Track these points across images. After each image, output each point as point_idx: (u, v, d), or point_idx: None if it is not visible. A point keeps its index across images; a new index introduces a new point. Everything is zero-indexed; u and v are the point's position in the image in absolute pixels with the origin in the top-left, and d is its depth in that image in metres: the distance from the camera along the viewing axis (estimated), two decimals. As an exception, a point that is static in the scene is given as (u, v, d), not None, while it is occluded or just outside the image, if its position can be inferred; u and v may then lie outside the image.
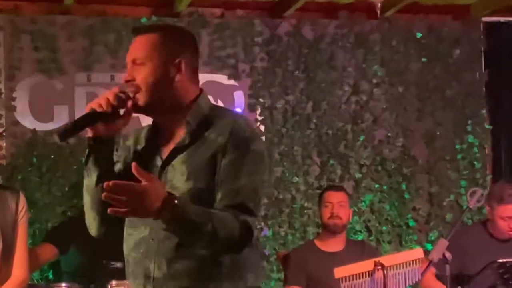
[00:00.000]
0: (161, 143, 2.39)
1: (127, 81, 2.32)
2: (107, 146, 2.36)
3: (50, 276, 4.92)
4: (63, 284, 3.96)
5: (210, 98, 5.34)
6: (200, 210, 2.16)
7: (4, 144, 5.11)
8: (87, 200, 2.41)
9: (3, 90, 5.16)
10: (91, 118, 2.27)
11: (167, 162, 2.33)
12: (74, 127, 2.26)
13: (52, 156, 5.15)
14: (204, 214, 2.15)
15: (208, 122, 2.35)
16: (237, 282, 2.28)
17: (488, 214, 4.49)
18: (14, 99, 5.17)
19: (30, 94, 5.22)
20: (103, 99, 2.26)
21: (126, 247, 2.42)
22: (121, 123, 2.35)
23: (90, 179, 2.37)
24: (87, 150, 2.37)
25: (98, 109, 2.25)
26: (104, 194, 2.04)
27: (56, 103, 5.26)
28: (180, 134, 2.34)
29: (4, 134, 5.11)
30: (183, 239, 2.21)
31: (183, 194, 2.24)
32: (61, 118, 5.24)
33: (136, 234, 2.36)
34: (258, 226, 5.41)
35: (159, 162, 2.35)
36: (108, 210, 2.06)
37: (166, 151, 2.36)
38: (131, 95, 2.31)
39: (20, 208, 3.61)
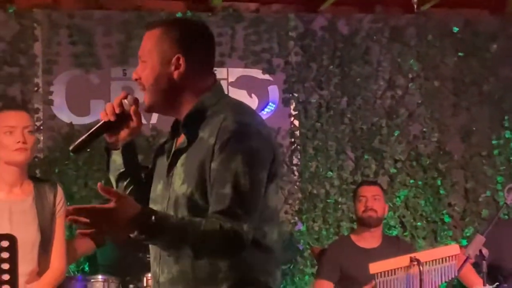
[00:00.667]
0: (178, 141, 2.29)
1: (135, 80, 2.26)
2: (129, 150, 2.32)
3: (86, 269, 4.96)
4: (100, 277, 4.00)
5: (242, 92, 5.52)
6: (180, 227, 2.05)
7: (42, 137, 5.16)
8: None
9: (40, 84, 5.21)
10: (101, 128, 2.26)
11: (171, 164, 2.24)
12: (89, 139, 2.25)
13: (89, 150, 5.16)
14: (183, 231, 2.04)
15: (206, 120, 2.21)
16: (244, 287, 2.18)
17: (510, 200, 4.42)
18: (51, 93, 5.22)
19: (67, 88, 5.27)
20: (107, 108, 2.24)
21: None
22: (134, 125, 2.29)
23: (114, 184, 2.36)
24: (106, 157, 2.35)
25: (104, 119, 2.23)
26: (67, 218, 1.99)
27: (93, 97, 5.30)
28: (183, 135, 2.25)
29: (41, 127, 5.16)
30: (167, 251, 2.16)
31: (181, 199, 2.17)
32: (97, 112, 5.25)
33: None
34: (292, 221, 5.42)
35: (165, 164, 2.27)
36: (77, 231, 2.04)
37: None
38: (133, 98, 2.27)
39: (58, 200, 3.63)
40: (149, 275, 4.02)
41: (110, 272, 4.28)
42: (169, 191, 2.21)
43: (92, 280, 3.96)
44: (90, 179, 5.17)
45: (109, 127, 2.25)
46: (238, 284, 2.15)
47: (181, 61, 2.22)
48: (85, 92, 5.28)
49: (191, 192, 2.15)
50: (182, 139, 2.23)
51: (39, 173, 5.00)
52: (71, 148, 2.25)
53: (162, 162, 2.29)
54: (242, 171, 2.09)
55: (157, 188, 2.28)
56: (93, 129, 2.25)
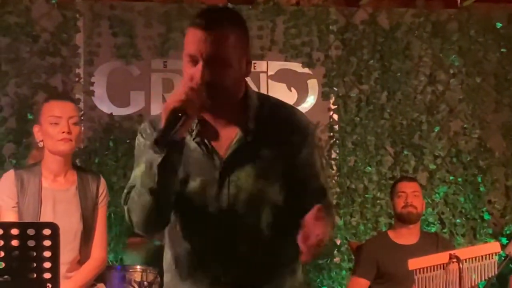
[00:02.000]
0: (211, 139, 2.18)
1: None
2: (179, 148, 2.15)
3: (124, 259, 5.00)
4: (138, 267, 4.02)
5: (282, 85, 5.52)
6: None
7: (82, 128, 5.19)
8: (149, 200, 2.12)
9: (82, 75, 5.26)
10: (175, 118, 2.06)
11: (228, 161, 2.16)
12: (169, 132, 2.06)
13: (128, 141, 5.21)
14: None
15: (264, 116, 2.19)
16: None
17: None
18: (92, 84, 5.26)
19: (108, 79, 5.31)
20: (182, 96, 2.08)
21: None
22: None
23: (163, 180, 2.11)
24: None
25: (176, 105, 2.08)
26: None
27: (133, 89, 5.34)
28: (235, 131, 2.16)
29: (82, 118, 5.19)
30: None
31: (251, 195, 2.15)
32: (137, 104, 5.31)
33: None
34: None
35: (217, 161, 2.16)
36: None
37: (221, 149, 2.17)
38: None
39: (100, 191, 3.66)
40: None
41: (147, 263, 4.31)
42: (228, 188, 2.15)
43: (130, 270, 3.98)
44: (130, 169, 5.14)
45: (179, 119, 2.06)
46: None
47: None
48: (126, 84, 5.32)
49: (267, 187, 2.16)
50: (235, 135, 2.16)
51: (79, 162, 5.03)
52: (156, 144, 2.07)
53: (200, 158, 2.17)
54: (321, 165, 2.27)
55: (198, 185, 2.17)
56: (166, 122, 2.05)
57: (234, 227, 2.16)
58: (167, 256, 2.28)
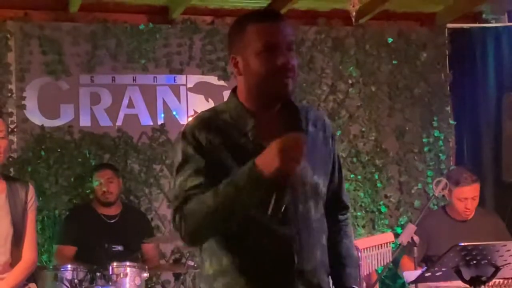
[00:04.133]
0: (264, 138, 2.02)
1: (292, 66, 2.04)
2: None
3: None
4: (69, 266, 3.95)
5: (200, 97, 5.50)
6: None
7: (15, 139, 5.09)
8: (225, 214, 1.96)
9: (14, 90, 5.14)
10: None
11: None
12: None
13: (59, 150, 5.15)
14: None
15: (313, 119, 2.15)
16: None
17: (447, 197, 4.51)
18: (24, 98, 5.16)
19: (38, 93, 5.20)
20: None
21: None
22: None
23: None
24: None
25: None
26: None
27: (62, 102, 5.24)
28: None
29: (15, 130, 5.10)
30: None
31: (314, 190, 2.09)
32: (67, 116, 5.23)
33: None
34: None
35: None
36: None
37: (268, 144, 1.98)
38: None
39: (29, 197, 3.59)
40: (115, 263, 4.01)
41: (78, 262, 4.25)
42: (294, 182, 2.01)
43: (61, 269, 3.91)
44: (60, 176, 5.12)
45: None
46: None
47: None
48: (55, 97, 5.22)
49: (321, 181, 2.11)
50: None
51: (13, 171, 4.94)
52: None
53: (259, 149, 1.97)
54: None
55: None
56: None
57: (304, 218, 2.07)
58: (220, 262, 2.06)
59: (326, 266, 2.14)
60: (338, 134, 5.61)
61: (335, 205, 2.21)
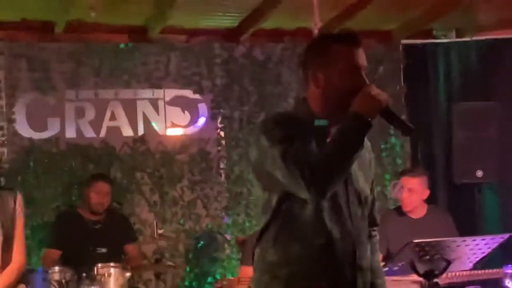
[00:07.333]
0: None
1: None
2: None
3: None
4: (56, 268, 3.91)
5: (177, 109, 5.50)
6: None
7: (6, 151, 5.04)
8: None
9: (4, 106, 5.10)
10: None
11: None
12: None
13: (46, 161, 5.12)
14: None
15: None
16: None
17: (399, 193, 4.52)
18: (13, 113, 5.12)
19: (27, 108, 5.16)
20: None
21: None
22: None
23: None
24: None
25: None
26: None
27: (49, 116, 5.21)
28: None
29: (5, 142, 5.05)
30: None
31: (366, 200, 2.18)
32: (54, 128, 5.20)
33: None
34: (220, 215, 5.42)
35: None
36: None
37: None
38: None
39: (17, 205, 3.56)
40: (99, 265, 3.97)
41: (65, 264, 4.21)
42: (348, 184, 2.12)
43: (50, 271, 3.87)
44: (48, 185, 5.08)
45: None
46: None
47: None
48: (43, 112, 5.18)
49: (368, 192, 2.20)
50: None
51: (3, 181, 4.88)
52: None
53: None
54: None
55: None
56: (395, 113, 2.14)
57: (357, 220, 2.13)
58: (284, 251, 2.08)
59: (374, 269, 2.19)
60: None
61: (369, 219, 2.24)
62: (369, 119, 2.05)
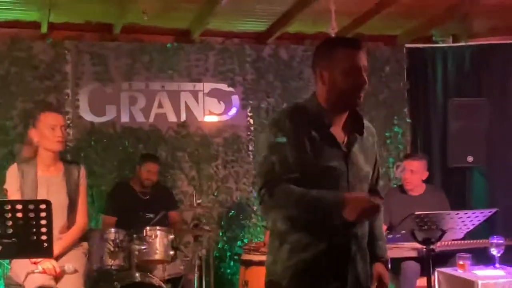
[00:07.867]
0: (334, 131, 2.14)
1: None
2: None
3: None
4: (112, 230, 3.93)
5: (214, 100, 5.49)
6: None
7: (72, 132, 5.08)
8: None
9: (70, 94, 5.12)
10: None
11: (349, 148, 2.13)
12: None
13: (105, 140, 5.14)
14: None
15: (366, 126, 2.22)
16: None
17: (402, 174, 4.47)
18: (78, 100, 5.14)
19: (89, 96, 5.18)
20: None
21: None
22: None
23: None
24: None
25: None
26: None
27: (107, 103, 5.22)
28: (354, 134, 2.15)
29: (71, 125, 5.09)
30: None
31: (365, 176, 2.16)
32: (110, 114, 5.22)
33: None
34: (249, 189, 5.40)
35: (343, 147, 2.11)
36: None
37: (339, 138, 2.12)
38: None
39: (81, 176, 3.59)
40: (148, 228, 3.99)
41: (119, 227, 4.23)
42: (348, 164, 2.10)
43: (107, 232, 3.90)
44: (106, 161, 5.11)
45: None
46: None
47: None
48: (102, 99, 5.20)
49: (370, 171, 2.21)
50: (353, 136, 2.16)
51: (69, 156, 4.91)
52: None
53: (332, 140, 2.10)
54: None
55: (329, 156, 2.09)
56: None
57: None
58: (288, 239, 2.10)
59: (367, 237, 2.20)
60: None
61: (373, 193, 2.23)
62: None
